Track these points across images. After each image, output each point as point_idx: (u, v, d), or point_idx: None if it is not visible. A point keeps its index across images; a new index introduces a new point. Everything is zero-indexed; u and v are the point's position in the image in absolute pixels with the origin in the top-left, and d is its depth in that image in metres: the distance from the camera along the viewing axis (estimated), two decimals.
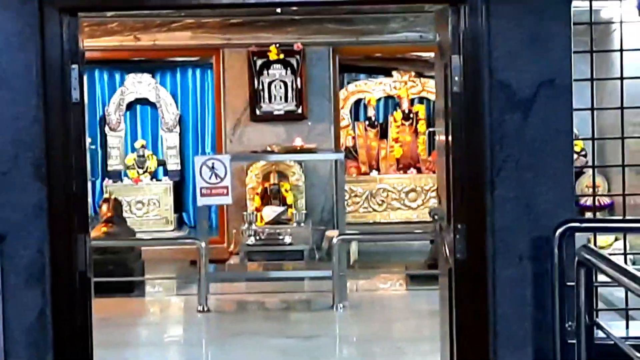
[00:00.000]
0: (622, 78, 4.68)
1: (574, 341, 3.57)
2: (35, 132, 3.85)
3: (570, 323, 3.71)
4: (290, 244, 8.53)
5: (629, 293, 3.97)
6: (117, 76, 9.79)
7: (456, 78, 4.06)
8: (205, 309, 7.21)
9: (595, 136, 4.87)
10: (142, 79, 9.67)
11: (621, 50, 4.79)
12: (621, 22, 5.23)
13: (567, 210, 3.89)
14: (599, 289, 4.40)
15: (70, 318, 4.03)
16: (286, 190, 9.06)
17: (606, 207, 6.51)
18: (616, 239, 6.23)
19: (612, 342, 3.47)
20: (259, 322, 7.19)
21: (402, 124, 9.77)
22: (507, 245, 3.93)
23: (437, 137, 5.01)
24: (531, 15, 3.90)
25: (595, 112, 4.59)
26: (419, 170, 9.71)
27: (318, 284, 7.84)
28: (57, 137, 3.91)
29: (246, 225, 8.65)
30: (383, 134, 10.05)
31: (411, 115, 9.74)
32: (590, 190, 6.18)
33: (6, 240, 3.76)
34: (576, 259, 3.58)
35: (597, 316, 3.81)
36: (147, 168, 9.54)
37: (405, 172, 9.64)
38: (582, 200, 6.20)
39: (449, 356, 4.41)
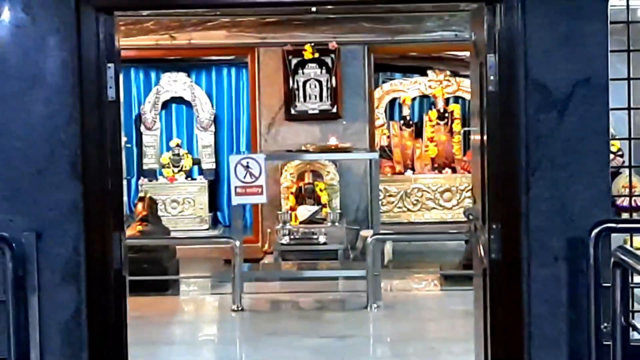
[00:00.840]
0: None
1: (609, 342, 3.48)
2: (72, 130, 3.78)
3: (605, 324, 3.61)
4: (324, 244, 8.41)
5: None
6: (153, 75, 9.78)
7: (491, 77, 3.97)
8: (240, 307, 7.16)
9: (632, 136, 4.73)
10: (178, 77, 9.61)
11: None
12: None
13: (603, 210, 3.78)
14: (635, 290, 4.23)
15: (105, 316, 4.01)
16: (320, 190, 8.92)
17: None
18: None
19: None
20: (292, 322, 7.14)
21: (437, 124, 9.63)
22: (542, 246, 3.83)
23: (472, 137, 4.88)
24: (567, 14, 3.79)
25: (632, 111, 4.45)
26: (454, 170, 9.57)
27: (352, 283, 7.78)
28: (93, 136, 3.85)
29: (280, 224, 8.55)
30: (418, 134, 9.92)
31: (446, 115, 9.60)
32: (627, 190, 6.08)
33: (42, 238, 3.73)
34: (612, 259, 3.47)
35: (633, 317, 3.71)
36: (182, 167, 9.48)
37: (440, 172, 9.50)
38: (619, 201, 6.06)
39: (484, 356, 4.32)
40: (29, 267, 3.74)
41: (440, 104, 9.80)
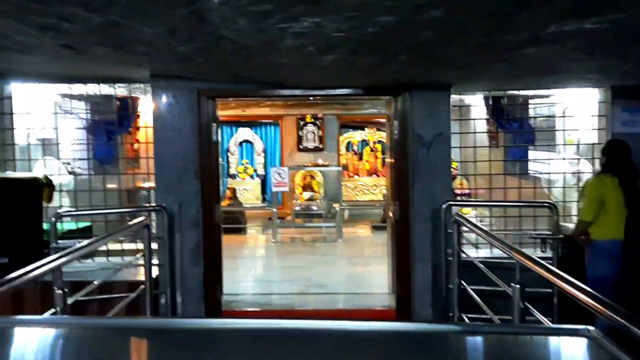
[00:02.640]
0: (475, 132, 6.56)
1: (452, 259, 5.16)
2: (194, 155, 5.46)
3: (449, 250, 5.25)
4: (316, 210, 11.70)
5: (477, 236, 5.40)
6: (234, 128, 13.17)
7: (395, 131, 5.68)
8: (275, 241, 10.53)
9: (461, 159, 6.53)
10: (246, 130, 13.16)
11: (472, 119, 6.73)
12: (471, 105, 6.80)
13: (448, 195, 5.56)
14: (463, 234, 5.50)
15: (211, 244, 5.62)
16: (314, 184, 12.49)
17: (467, 194, 8.01)
18: (473, 210, 7.76)
19: (469, 259, 4.99)
20: (300, 247, 10.15)
21: (370, 153, 13.28)
22: (419, 212, 5.56)
23: (387, 160, 6.52)
24: (431, 101, 5.52)
25: (461, 149, 6.24)
26: (377, 175, 12.97)
27: (328, 230, 10.88)
28: (205, 157, 5.50)
29: (295, 200, 12.00)
30: (360, 158, 13.44)
31: (374, 149, 13.20)
32: (459, 186, 8.27)
33: (181, 207, 5.43)
34: (452, 218, 5.18)
35: (461, 246, 5.24)
36: (248, 173, 12.99)
37: (371, 176, 13.10)
38: (456, 191, 7.75)
39: (393, 265, 5.94)
40: (175, 220, 5.45)
41: (371, 144, 13.36)
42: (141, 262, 5.11)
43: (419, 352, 2.07)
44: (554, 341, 2.10)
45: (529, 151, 7.18)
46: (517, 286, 3.22)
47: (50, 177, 5.66)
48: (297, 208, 11.90)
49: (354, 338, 2.26)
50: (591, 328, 2.01)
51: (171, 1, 2.71)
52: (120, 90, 6.30)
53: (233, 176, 13.09)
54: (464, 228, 5.17)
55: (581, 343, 1.99)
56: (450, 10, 2.75)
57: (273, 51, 3.81)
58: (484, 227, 4.93)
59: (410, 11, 2.79)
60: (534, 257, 3.20)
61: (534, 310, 3.35)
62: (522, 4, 2.61)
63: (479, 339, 2.27)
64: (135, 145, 8.40)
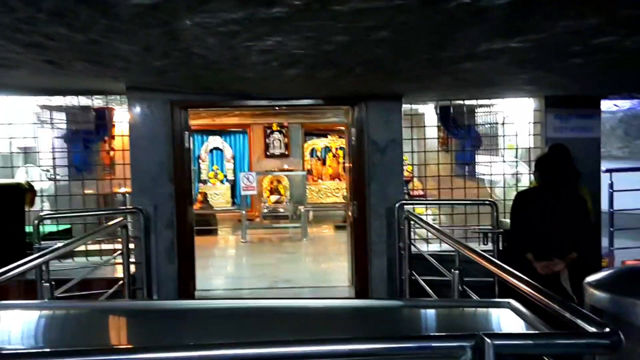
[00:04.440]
0: (425, 138, 6.72)
1: (404, 252, 5.38)
2: (168, 161, 5.56)
3: (401, 244, 5.46)
4: (282, 212, 11.83)
5: (426, 232, 5.39)
6: (205, 137, 13.12)
7: (353, 138, 5.86)
8: (245, 241, 10.54)
9: (416, 163, 6.96)
10: (216, 138, 13.13)
11: (424, 126, 6.88)
12: (423, 114, 6.72)
13: (400, 195, 5.76)
14: (417, 230, 5.85)
15: (184, 243, 5.71)
16: (280, 188, 12.53)
17: (422, 196, 8.10)
18: (426, 209, 7.86)
19: (419, 253, 5.20)
20: (268, 247, 10.26)
21: (332, 159, 13.29)
22: (375, 211, 5.73)
23: (346, 165, 6.80)
24: (385, 110, 5.70)
25: (416, 153, 6.59)
26: (340, 179, 12.98)
27: (294, 230, 11.05)
28: (178, 163, 5.60)
29: (263, 203, 12.03)
30: (323, 163, 13.46)
31: (336, 155, 13.22)
32: (416, 187, 8.45)
33: (156, 209, 5.52)
34: (404, 215, 5.41)
35: (412, 241, 5.44)
36: (218, 178, 12.99)
37: (333, 180, 13.10)
38: (412, 192, 7.93)
39: (352, 259, 6.13)
40: (151, 221, 5.52)
41: (334, 150, 13.38)
42: (119, 260, 5.18)
43: (369, 323, 2.30)
44: (481, 311, 2.35)
45: (476, 155, 7.43)
46: (457, 272, 3.47)
47: (31, 183, 5.74)
48: (265, 210, 12.05)
49: (314, 314, 2.48)
50: (512, 301, 2.26)
51: (147, 22, 2.83)
52: (97, 101, 6.34)
53: (204, 181, 13.08)
54: (415, 224, 5.44)
55: (504, 312, 2.24)
56: (396, 31, 2.96)
57: (240, 66, 3.94)
58: (431, 224, 5.12)
59: (361, 32, 2.99)
60: (470, 246, 3.41)
61: (470, 292, 3.58)
62: (455, 26, 2.83)
63: (420, 311, 2.51)
64: (111, 153, 8.44)
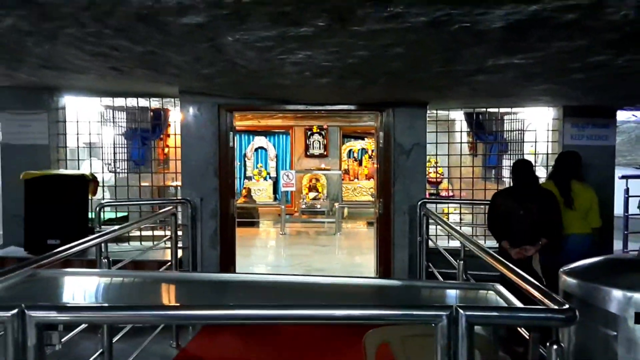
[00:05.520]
0: (454, 142, 6.74)
1: (423, 246, 5.61)
2: (215, 157, 5.77)
3: (420, 238, 5.66)
4: (319, 207, 12.08)
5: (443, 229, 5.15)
6: (251, 137, 13.36)
7: (381, 141, 5.99)
8: (283, 233, 10.73)
9: (448, 166, 6.94)
10: (261, 138, 13.36)
11: (454, 131, 7.09)
12: (453, 120, 6.93)
13: (422, 194, 5.87)
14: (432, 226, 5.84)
15: (226, 232, 5.92)
16: (318, 186, 12.78)
17: (451, 196, 8.21)
18: (454, 209, 8.00)
19: (435, 247, 5.29)
20: (304, 239, 10.34)
21: (368, 159, 13.25)
22: (398, 208, 5.88)
23: (375, 165, 6.74)
24: (410, 116, 5.82)
25: (439, 157, 6.69)
26: (374, 179, 13.01)
27: (329, 225, 11.26)
28: (223, 160, 5.81)
29: (302, 199, 12.30)
30: (360, 164, 13.54)
31: (372, 156, 12.99)
32: (445, 188, 8.62)
33: (203, 200, 5.75)
34: (423, 213, 5.61)
35: (428, 235, 5.65)
36: (262, 175, 13.22)
37: (368, 180, 12.97)
38: (442, 192, 8.17)
39: (377, 254, 6.27)
40: (197, 211, 5.76)
41: (370, 152, 13.28)
42: (168, 245, 5.45)
43: (388, 298, 2.59)
44: (471, 292, 2.59)
45: (502, 159, 7.53)
46: (461, 262, 3.69)
47: (95, 175, 6.09)
48: (303, 206, 12.36)
49: (342, 289, 2.78)
50: (497, 285, 2.49)
51: (195, 37, 3.14)
52: (154, 103, 6.66)
53: (249, 178, 13.44)
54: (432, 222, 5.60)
55: (489, 293, 2.48)
56: (409, 47, 3.20)
57: (277, 75, 4.19)
58: (446, 221, 5.30)
59: (379, 48, 3.25)
60: (475, 240, 3.61)
61: (471, 279, 3.80)
62: (461, 44, 3.06)
63: (426, 290, 2.78)
64: (166, 150, 8.86)
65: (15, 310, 1.87)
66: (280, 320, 1.95)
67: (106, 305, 2.27)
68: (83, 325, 3.12)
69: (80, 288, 2.70)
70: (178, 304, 2.62)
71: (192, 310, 2.12)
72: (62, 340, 2.10)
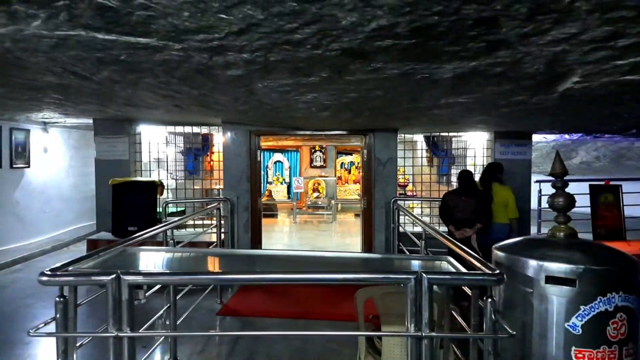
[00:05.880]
0: (413, 157, 6.68)
1: (395, 230, 5.64)
2: (247, 168, 5.83)
3: (393, 224, 5.70)
4: (320, 204, 11.90)
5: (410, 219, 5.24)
6: (271, 153, 13.07)
7: (365, 156, 6.00)
8: (295, 222, 10.77)
9: (413, 174, 7.09)
10: (278, 154, 13.09)
11: (418, 149, 6.85)
12: (415, 141, 6.93)
13: (395, 194, 5.88)
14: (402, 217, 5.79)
15: (255, 221, 5.96)
16: (320, 188, 12.48)
17: (414, 195, 7.94)
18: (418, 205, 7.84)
19: (404, 232, 5.32)
20: (310, 226, 10.27)
21: (355, 169, 12.97)
22: (378, 204, 5.88)
23: (361, 173, 6.94)
24: (385, 138, 5.83)
25: (406, 167, 6.75)
26: (360, 183, 12.43)
27: (328, 216, 11.13)
28: (253, 170, 5.86)
29: (308, 198, 12.07)
30: (349, 172, 13.25)
31: (358, 167, 12.81)
32: (410, 190, 8.50)
33: (238, 199, 5.77)
34: (395, 207, 5.64)
35: (399, 222, 5.72)
36: (279, 181, 12.98)
37: (355, 184, 12.74)
38: (407, 193, 8.09)
39: (362, 236, 6.23)
40: (234, 207, 5.81)
41: (357, 164, 13.01)
42: (214, 230, 5.51)
43: (367, 267, 2.63)
44: (430, 262, 2.64)
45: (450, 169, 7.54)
46: (423, 242, 3.73)
47: (161, 180, 6.13)
48: (309, 202, 12.24)
49: (338, 261, 2.82)
50: (449, 257, 2.54)
51: (236, 84, 3.19)
52: (203, 129, 6.66)
53: (270, 183, 13.33)
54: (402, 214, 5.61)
55: (443, 263, 2.52)
56: (386, 90, 3.25)
57: (292, 110, 4.24)
58: (412, 213, 5.29)
59: (365, 91, 3.29)
60: (433, 226, 3.65)
61: (431, 254, 3.83)
62: (422, 88, 3.11)
63: (398, 261, 2.82)
64: (211, 163, 8.88)
65: (113, 275, 1.93)
66: (294, 282, 2.00)
67: (173, 271, 2.33)
68: (158, 286, 3.16)
69: (155, 260, 2.76)
70: (221, 271, 2.68)
71: (232, 275, 2.19)
72: (147, 295, 2.16)
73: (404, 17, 1.80)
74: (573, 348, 2.08)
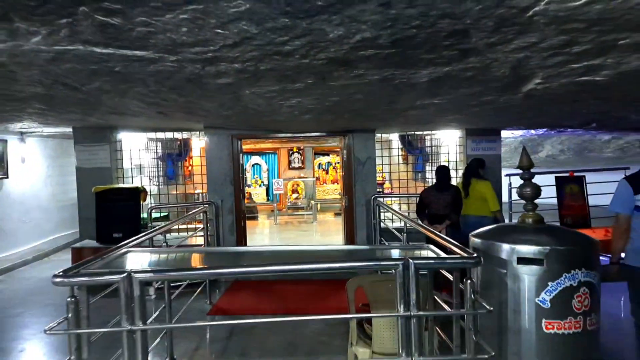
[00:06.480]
0: (390, 155, 6.83)
1: (376, 226, 5.74)
2: (230, 172, 5.88)
3: (374, 220, 5.79)
4: (300, 204, 11.85)
5: (391, 214, 5.68)
6: (249, 156, 12.93)
7: (344, 156, 6.11)
8: (276, 223, 10.70)
9: (390, 172, 7.24)
10: (257, 157, 13.00)
11: (394, 148, 6.98)
12: (391, 140, 7.12)
13: (374, 192, 5.99)
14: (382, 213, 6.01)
15: (239, 223, 6.01)
16: (299, 189, 12.42)
17: (391, 193, 8.03)
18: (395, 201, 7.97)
19: (385, 227, 5.56)
20: (291, 227, 10.19)
21: (332, 169, 13.09)
22: (359, 202, 6.00)
23: (342, 173, 6.83)
24: (364, 138, 5.95)
25: (384, 166, 6.90)
26: (337, 183, 12.79)
27: (308, 216, 11.18)
28: (236, 173, 5.91)
29: (288, 198, 12.01)
30: (327, 172, 13.30)
31: (335, 167, 13.03)
32: (387, 187, 8.58)
33: (223, 202, 5.82)
34: (376, 204, 5.73)
35: (380, 218, 5.82)
36: (257, 183, 12.91)
37: (333, 184, 12.91)
38: (385, 191, 8.24)
39: (344, 233, 6.32)
40: (219, 209, 5.86)
41: (334, 164, 13.17)
42: (200, 234, 5.56)
43: (354, 258, 2.81)
44: (413, 251, 2.85)
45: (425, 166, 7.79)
46: (405, 234, 3.94)
47: (144, 186, 6.15)
48: (289, 203, 12.24)
49: (325, 253, 3.00)
50: (431, 246, 2.76)
51: (224, 91, 3.31)
52: (180, 135, 6.67)
53: (249, 185, 13.32)
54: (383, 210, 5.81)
55: (426, 251, 2.74)
56: (367, 95, 3.44)
57: (275, 114, 4.34)
58: (394, 208, 5.49)
59: (346, 95, 3.47)
60: (411, 218, 3.88)
61: (413, 244, 4.05)
62: (400, 91, 3.32)
63: (382, 251, 3.02)
64: (189, 167, 8.89)
65: (125, 274, 2.06)
66: (292, 272, 2.14)
67: (182, 267, 2.47)
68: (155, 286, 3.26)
69: (155, 260, 2.88)
70: (211, 266, 2.80)
71: (221, 269, 2.34)
72: (156, 291, 2.29)
73: (385, 30, 2.00)
74: (543, 320, 2.31)
